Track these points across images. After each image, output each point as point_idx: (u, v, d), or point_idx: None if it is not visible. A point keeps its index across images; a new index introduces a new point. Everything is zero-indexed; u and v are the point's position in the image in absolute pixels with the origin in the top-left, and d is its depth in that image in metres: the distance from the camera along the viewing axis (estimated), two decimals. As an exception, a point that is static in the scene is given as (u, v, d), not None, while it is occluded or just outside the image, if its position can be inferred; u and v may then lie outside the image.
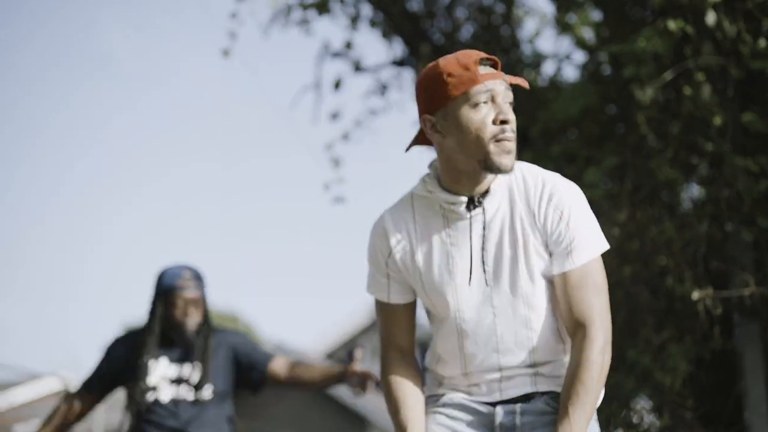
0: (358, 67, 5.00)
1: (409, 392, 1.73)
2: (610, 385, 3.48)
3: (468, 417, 1.70)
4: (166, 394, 3.04)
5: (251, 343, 3.31)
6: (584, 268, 1.65)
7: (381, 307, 1.78)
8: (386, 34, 5.20)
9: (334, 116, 5.21)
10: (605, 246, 1.70)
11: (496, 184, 1.67)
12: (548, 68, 4.60)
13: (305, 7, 5.11)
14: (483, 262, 1.67)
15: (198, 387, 3.06)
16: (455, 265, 1.67)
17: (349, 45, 5.00)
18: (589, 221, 1.69)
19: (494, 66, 1.66)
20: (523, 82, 1.66)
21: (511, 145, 1.63)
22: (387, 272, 1.73)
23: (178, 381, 3.08)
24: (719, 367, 3.44)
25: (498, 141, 1.60)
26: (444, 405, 1.74)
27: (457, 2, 4.98)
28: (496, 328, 1.68)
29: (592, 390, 1.60)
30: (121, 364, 3.10)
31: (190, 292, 3.10)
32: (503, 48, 4.79)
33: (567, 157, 3.98)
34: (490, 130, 1.60)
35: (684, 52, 3.29)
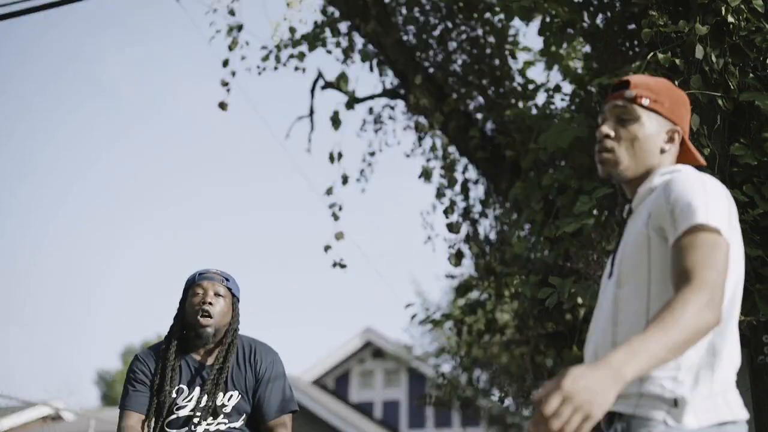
0: (351, 100, 5.05)
1: None
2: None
3: None
4: (199, 426, 2.78)
5: (281, 378, 2.96)
6: (690, 235, 1.56)
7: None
8: (379, 65, 5.26)
9: (332, 159, 5.26)
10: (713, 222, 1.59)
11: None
12: (539, 99, 4.66)
13: (297, 43, 5.19)
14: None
15: (229, 416, 2.81)
16: None
17: (343, 76, 5.05)
18: (694, 197, 1.64)
19: None
20: None
21: None
22: None
23: (209, 410, 2.81)
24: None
25: None
26: None
27: (449, 34, 5.05)
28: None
29: (672, 329, 1.40)
30: (149, 380, 2.83)
31: (214, 282, 2.88)
32: (495, 78, 4.86)
33: (558, 187, 4.02)
34: None
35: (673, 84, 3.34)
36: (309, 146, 5.61)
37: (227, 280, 2.92)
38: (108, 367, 45.43)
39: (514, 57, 4.80)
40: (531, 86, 4.58)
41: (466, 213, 5.16)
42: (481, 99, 4.95)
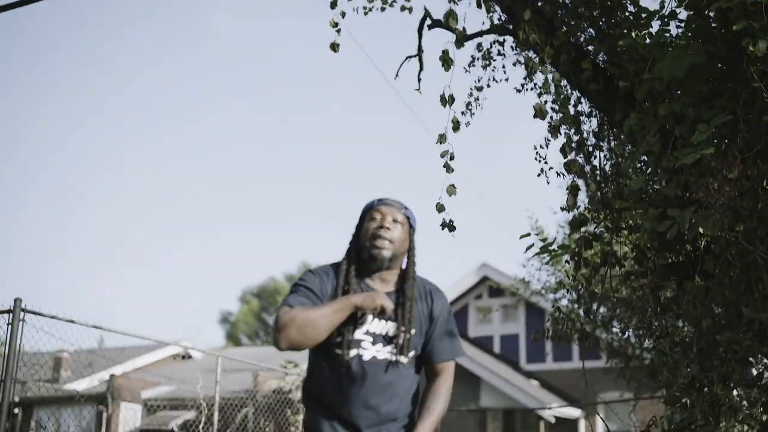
0: (460, 37, 5.02)
1: None
2: (725, 343, 3.48)
3: None
4: (367, 352, 2.71)
5: (452, 323, 2.91)
6: None
7: None
8: (486, 1, 5.20)
9: (444, 102, 5.25)
10: None
11: None
12: (653, 27, 4.52)
13: None
14: None
15: (401, 349, 2.73)
16: None
17: (451, 13, 5.02)
18: None
19: None
20: None
21: None
22: None
23: (382, 338, 2.74)
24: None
25: None
26: None
27: (557, -37, 4.93)
28: None
29: None
30: (318, 291, 2.74)
31: (392, 208, 2.82)
32: (605, 8, 4.73)
33: (674, 117, 3.92)
34: None
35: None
36: (419, 86, 5.63)
37: (406, 208, 2.87)
38: (230, 308, 47.63)
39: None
40: (644, 14, 4.43)
41: (580, 146, 5.09)
42: (591, 31, 4.83)
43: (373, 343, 2.72)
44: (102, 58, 50.60)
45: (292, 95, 56.36)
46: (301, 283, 2.76)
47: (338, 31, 5.30)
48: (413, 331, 2.77)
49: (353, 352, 2.69)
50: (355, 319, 2.69)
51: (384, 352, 2.73)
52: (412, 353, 2.78)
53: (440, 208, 5.02)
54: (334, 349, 2.70)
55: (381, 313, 2.71)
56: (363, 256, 2.78)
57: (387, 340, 2.74)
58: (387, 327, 2.75)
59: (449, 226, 5.11)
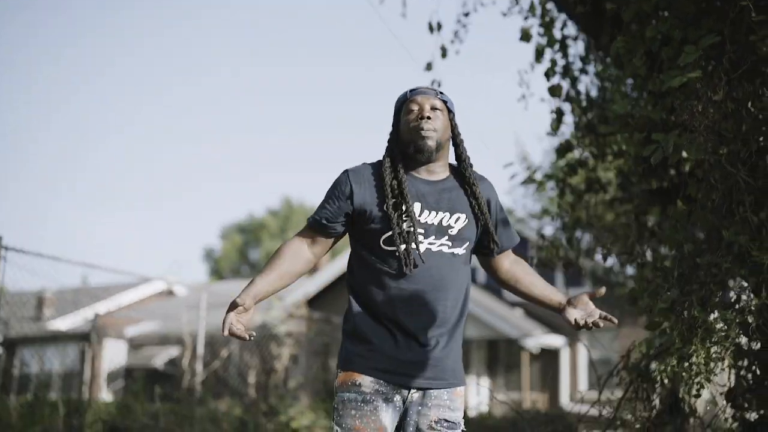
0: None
1: None
2: (705, 266, 3.50)
3: None
4: (421, 243, 2.52)
5: (504, 211, 2.80)
6: None
7: None
8: None
9: (431, 29, 5.14)
10: None
11: None
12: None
13: None
14: None
15: (454, 239, 2.57)
16: None
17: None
18: None
19: None
20: None
21: None
22: None
23: (436, 228, 2.56)
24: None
25: None
26: None
27: None
28: None
29: None
30: (362, 197, 2.56)
31: (428, 95, 2.64)
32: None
33: (661, 39, 3.86)
34: None
35: None
36: (404, 11, 5.52)
37: (441, 93, 2.68)
38: (212, 245, 47.67)
39: None
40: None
41: (566, 71, 5.04)
42: (579, -50, 4.73)
43: (425, 236, 2.54)
44: (109, 16, 49.55)
45: (277, 44, 55.50)
46: (333, 193, 2.60)
47: None
48: (464, 219, 2.60)
49: (403, 247, 2.49)
50: (402, 211, 2.51)
51: (437, 245, 2.55)
52: (467, 244, 2.61)
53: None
54: (381, 243, 2.53)
55: (433, 206, 2.57)
56: (408, 151, 2.59)
57: (441, 230, 2.56)
58: (439, 216, 2.57)
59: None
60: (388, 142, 2.67)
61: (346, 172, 2.61)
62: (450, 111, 2.68)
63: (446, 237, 2.56)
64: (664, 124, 3.93)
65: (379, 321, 2.51)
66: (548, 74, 4.92)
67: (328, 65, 57.74)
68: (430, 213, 2.56)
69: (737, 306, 3.49)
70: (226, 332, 2.39)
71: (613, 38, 4.29)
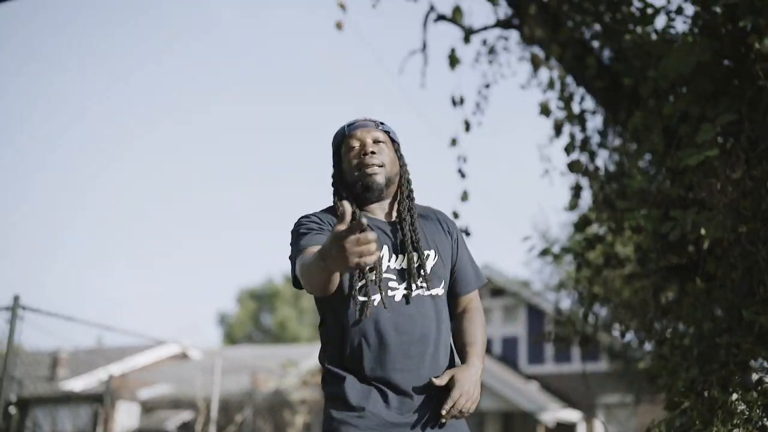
0: (467, 32, 4.98)
1: None
2: (725, 346, 3.43)
3: None
4: (396, 290, 2.29)
5: (467, 247, 2.55)
6: None
7: None
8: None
9: (454, 102, 5.22)
10: None
11: None
12: (658, 23, 4.48)
13: None
14: None
15: (430, 280, 2.33)
16: None
17: (458, 9, 4.99)
18: None
19: None
20: None
21: None
22: None
23: (406, 273, 2.32)
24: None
25: None
26: None
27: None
28: None
29: None
30: (323, 226, 2.33)
31: (368, 128, 2.43)
32: (611, 4, 4.68)
33: (679, 115, 3.87)
34: None
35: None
36: (423, 81, 5.59)
37: (381, 123, 2.48)
38: (227, 309, 47.68)
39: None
40: (650, 10, 4.38)
41: (584, 145, 5.05)
42: (597, 26, 4.79)
43: (399, 281, 2.30)
44: (101, 53, 50.63)
45: (295, 93, 56.38)
46: (303, 224, 2.35)
47: (342, 6, 5.22)
48: (435, 257, 2.38)
49: (377, 297, 2.26)
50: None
51: (414, 289, 2.31)
52: (443, 283, 2.38)
53: (455, 215, 5.09)
54: (353, 297, 2.28)
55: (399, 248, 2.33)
56: (355, 190, 2.38)
57: (414, 273, 2.32)
58: (406, 259, 2.33)
59: (464, 232, 5.11)
60: (333, 185, 2.46)
61: (304, 216, 2.39)
62: (394, 141, 2.49)
63: (420, 279, 2.33)
64: (682, 200, 3.91)
65: (360, 384, 2.25)
66: (568, 150, 4.93)
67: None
68: (398, 257, 2.34)
69: (759, 387, 3.40)
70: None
71: (631, 113, 4.31)
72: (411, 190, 2.47)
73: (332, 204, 2.45)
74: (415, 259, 2.34)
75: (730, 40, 3.64)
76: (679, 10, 4.20)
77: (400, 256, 2.34)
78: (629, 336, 5.84)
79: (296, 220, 2.38)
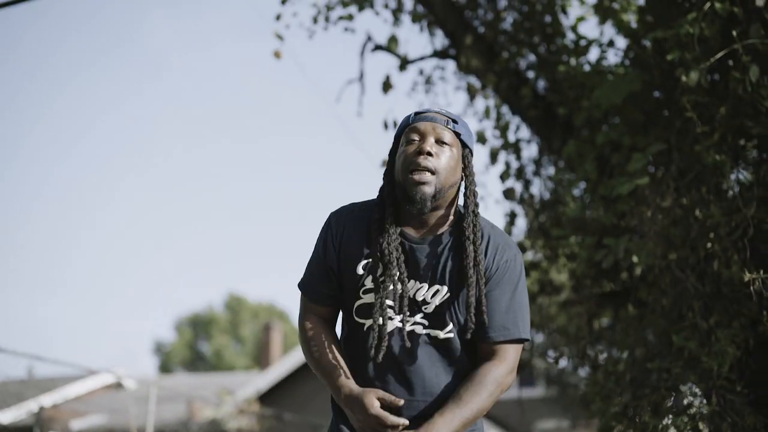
0: (403, 61, 5.03)
1: None
2: (657, 371, 3.48)
3: None
4: (390, 320, 2.01)
5: (516, 287, 2.07)
6: None
7: None
8: (429, 26, 5.22)
9: (386, 126, 5.23)
10: None
11: None
12: (591, 55, 4.59)
13: (345, 4, 5.15)
14: None
15: (430, 318, 2.03)
16: None
17: (393, 39, 5.03)
18: None
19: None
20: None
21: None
22: None
23: (409, 302, 2.02)
24: (768, 351, 3.40)
25: None
26: None
27: (499, -9, 4.98)
28: None
29: None
30: (336, 258, 2.08)
31: (435, 124, 2.04)
32: (546, 36, 4.78)
33: (611, 145, 3.96)
34: None
35: (731, 35, 3.25)
36: (360, 110, 5.61)
37: (455, 122, 2.07)
38: (164, 337, 46.71)
39: (565, 12, 4.72)
40: (583, 42, 4.49)
41: (519, 173, 5.12)
42: (532, 57, 4.88)
43: (398, 312, 2.01)
44: (61, 104, 49.72)
45: (231, 120, 56.04)
46: (318, 245, 2.12)
47: (281, 38, 5.21)
48: (446, 293, 2.03)
49: (368, 322, 2.04)
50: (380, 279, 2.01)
51: (410, 323, 2.03)
52: (449, 327, 2.04)
53: None
54: (353, 313, 2.09)
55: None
56: (400, 197, 2.04)
57: (414, 305, 2.04)
58: (416, 287, 2.04)
59: None
60: (383, 178, 2.12)
61: (330, 218, 2.14)
62: (465, 146, 2.09)
63: (420, 314, 2.03)
64: (615, 228, 3.98)
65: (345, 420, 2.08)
66: (503, 177, 5.00)
67: (301, 180, 58.24)
68: (414, 282, 2.03)
69: (689, 411, 3.46)
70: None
71: (565, 142, 4.38)
72: (476, 204, 2.07)
73: (377, 197, 2.12)
74: (422, 292, 2.04)
75: (659, 72, 3.74)
76: (611, 43, 4.31)
77: (411, 281, 2.03)
78: (563, 362, 5.90)
79: (326, 222, 2.14)
